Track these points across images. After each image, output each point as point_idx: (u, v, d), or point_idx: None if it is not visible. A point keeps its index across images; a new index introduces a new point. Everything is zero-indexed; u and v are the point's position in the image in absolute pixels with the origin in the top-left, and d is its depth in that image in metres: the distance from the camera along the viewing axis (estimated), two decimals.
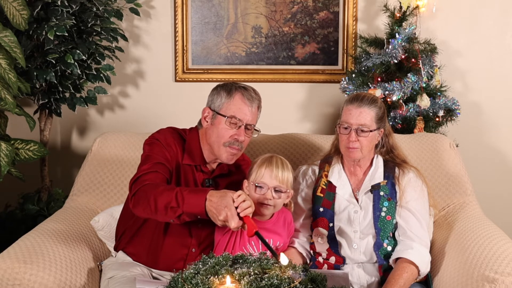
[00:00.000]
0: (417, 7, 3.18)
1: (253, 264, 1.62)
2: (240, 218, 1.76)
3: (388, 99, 3.04)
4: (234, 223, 1.75)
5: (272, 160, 2.04)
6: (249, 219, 1.75)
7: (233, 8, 3.45)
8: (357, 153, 2.15)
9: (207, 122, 2.13)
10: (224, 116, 2.07)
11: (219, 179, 2.19)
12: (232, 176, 2.19)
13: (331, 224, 2.16)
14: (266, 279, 1.52)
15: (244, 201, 1.77)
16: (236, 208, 1.76)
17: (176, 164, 2.11)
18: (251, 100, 2.09)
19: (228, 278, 1.51)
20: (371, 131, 2.13)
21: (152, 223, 2.10)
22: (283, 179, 2.02)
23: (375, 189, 2.17)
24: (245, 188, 2.06)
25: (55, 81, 2.97)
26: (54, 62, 2.94)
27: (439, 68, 3.17)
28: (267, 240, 2.07)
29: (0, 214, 3.13)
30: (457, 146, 2.85)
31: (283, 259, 1.60)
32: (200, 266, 1.63)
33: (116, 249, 2.22)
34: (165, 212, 1.86)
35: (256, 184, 2.02)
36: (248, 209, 1.77)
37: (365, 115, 2.12)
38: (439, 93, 3.11)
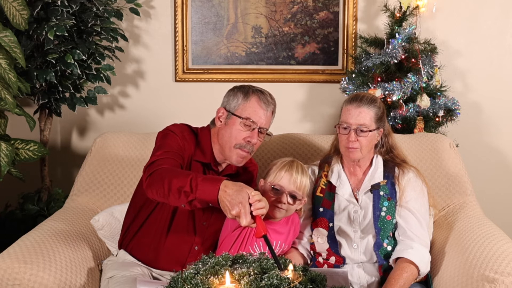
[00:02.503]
0: (417, 7, 3.18)
1: (253, 264, 1.62)
2: (252, 217, 1.73)
3: (388, 99, 3.04)
4: (245, 221, 1.72)
5: (293, 164, 2.05)
6: (260, 220, 1.73)
7: (233, 8, 3.45)
8: (356, 153, 2.15)
9: (220, 122, 2.14)
10: (239, 117, 2.08)
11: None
12: (240, 177, 2.19)
13: (331, 224, 2.16)
14: (266, 279, 1.52)
15: (259, 200, 1.74)
16: (250, 205, 1.74)
17: (188, 158, 2.11)
18: (267, 104, 2.10)
19: (227, 275, 1.51)
20: (370, 131, 2.13)
21: (157, 217, 2.12)
22: (301, 185, 2.02)
23: (375, 188, 2.17)
24: (260, 187, 2.06)
25: (55, 81, 2.97)
26: (54, 62, 2.94)
27: (439, 68, 3.17)
28: (274, 243, 2.08)
29: (0, 214, 3.13)
30: (457, 146, 2.85)
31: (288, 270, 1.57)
32: (200, 266, 1.63)
33: (121, 245, 2.22)
34: (178, 196, 1.82)
35: (273, 186, 2.02)
36: (262, 209, 1.74)
37: (364, 115, 2.12)
38: (439, 93, 3.11)
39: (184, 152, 2.08)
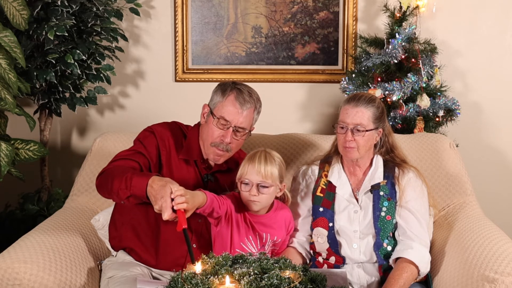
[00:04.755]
0: (417, 7, 3.18)
1: (253, 264, 1.62)
2: (174, 211, 1.79)
3: (388, 99, 3.04)
4: (166, 215, 1.78)
5: (255, 155, 2.04)
6: (181, 214, 1.78)
7: (233, 8, 3.45)
8: (353, 153, 2.15)
9: (203, 118, 2.16)
10: (214, 116, 2.10)
11: (220, 175, 2.20)
12: (232, 173, 2.20)
13: (331, 224, 2.16)
14: (266, 279, 1.52)
15: (181, 195, 1.79)
16: (173, 200, 1.79)
17: (166, 158, 2.14)
18: (242, 103, 2.09)
19: (227, 278, 1.51)
20: (367, 130, 2.12)
21: (150, 218, 2.12)
22: (266, 174, 2.01)
23: (375, 189, 2.17)
24: (238, 185, 2.07)
25: (55, 81, 2.97)
26: (54, 62, 2.94)
27: (439, 68, 3.17)
28: (264, 236, 2.09)
29: (0, 214, 3.13)
30: (457, 146, 2.85)
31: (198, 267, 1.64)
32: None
33: (114, 247, 2.22)
34: (117, 194, 1.92)
35: (241, 181, 2.03)
36: (182, 204, 1.78)
37: (362, 115, 2.12)
38: (439, 93, 3.11)
39: (151, 153, 2.11)
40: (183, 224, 1.76)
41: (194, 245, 2.11)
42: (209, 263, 1.65)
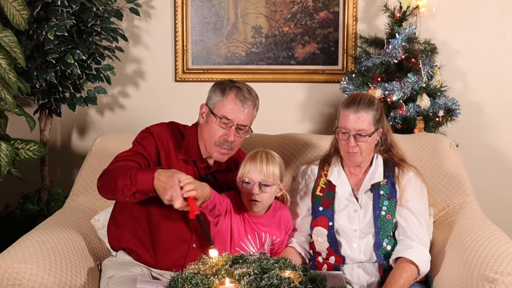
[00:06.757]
0: (417, 7, 3.18)
1: (253, 264, 1.62)
2: (185, 200, 1.80)
3: (388, 99, 3.04)
4: (178, 203, 1.79)
5: (256, 155, 2.06)
6: (192, 201, 1.79)
7: (233, 8, 3.45)
8: (357, 157, 2.15)
9: (203, 118, 2.17)
10: (216, 116, 2.10)
11: (219, 174, 2.21)
12: (232, 172, 2.20)
13: (330, 223, 2.16)
14: (266, 279, 1.53)
15: (189, 183, 1.80)
16: (182, 189, 1.80)
17: (166, 159, 2.14)
18: (243, 101, 2.11)
19: (227, 280, 1.51)
20: (369, 135, 2.12)
21: (150, 218, 2.12)
22: (268, 173, 2.03)
23: (375, 188, 2.17)
24: (238, 185, 2.08)
25: (55, 81, 2.97)
26: (54, 62, 2.94)
27: (439, 68, 3.17)
28: (263, 235, 2.10)
29: (0, 214, 3.13)
30: (457, 146, 2.85)
31: (213, 253, 1.67)
32: (200, 266, 1.64)
33: (114, 247, 2.22)
34: (122, 191, 1.92)
35: (243, 180, 2.04)
36: (192, 191, 1.80)
37: (363, 120, 2.11)
38: (439, 93, 3.11)
39: (151, 154, 2.12)
40: (195, 210, 1.77)
41: (194, 245, 2.11)
42: (209, 263, 1.65)
